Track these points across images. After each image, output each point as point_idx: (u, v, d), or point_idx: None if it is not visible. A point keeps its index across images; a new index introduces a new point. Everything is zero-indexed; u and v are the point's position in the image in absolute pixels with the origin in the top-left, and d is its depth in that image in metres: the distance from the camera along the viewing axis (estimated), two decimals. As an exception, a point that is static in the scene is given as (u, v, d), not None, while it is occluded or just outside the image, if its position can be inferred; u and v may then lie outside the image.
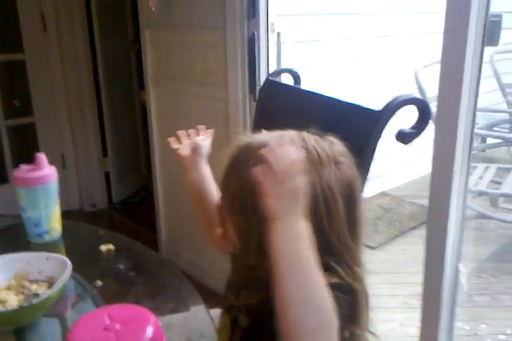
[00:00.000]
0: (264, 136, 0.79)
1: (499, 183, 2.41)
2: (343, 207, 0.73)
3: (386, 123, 0.86)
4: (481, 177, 2.45)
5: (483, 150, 3.23)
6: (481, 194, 2.43)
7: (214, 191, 1.05)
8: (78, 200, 3.20)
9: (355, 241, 0.76)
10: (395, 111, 0.86)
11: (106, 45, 3.09)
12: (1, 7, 2.84)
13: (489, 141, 3.08)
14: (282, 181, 0.60)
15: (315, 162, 0.72)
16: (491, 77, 3.09)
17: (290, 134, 0.77)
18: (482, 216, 2.50)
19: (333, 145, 0.76)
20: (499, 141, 2.93)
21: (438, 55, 1.27)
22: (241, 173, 0.72)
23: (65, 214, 1.16)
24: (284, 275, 0.59)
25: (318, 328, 0.59)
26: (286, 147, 0.64)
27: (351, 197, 0.75)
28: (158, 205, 2.54)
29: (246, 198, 0.71)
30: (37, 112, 3.04)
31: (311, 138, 0.76)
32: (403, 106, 0.86)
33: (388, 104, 0.86)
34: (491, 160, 2.88)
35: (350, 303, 0.72)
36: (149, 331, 0.62)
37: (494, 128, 2.92)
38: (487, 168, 2.55)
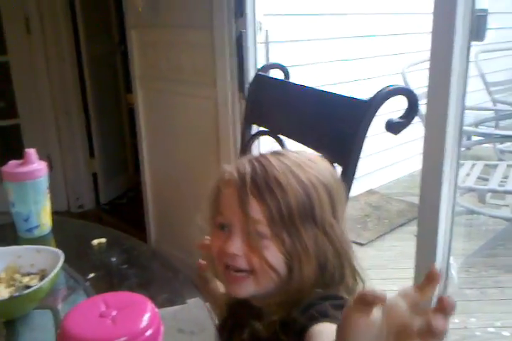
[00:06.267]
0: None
1: (486, 180, 2.44)
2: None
3: (375, 112, 0.87)
4: (468, 174, 2.48)
5: (469, 149, 3.27)
6: (469, 190, 2.46)
7: None
8: (65, 201, 3.17)
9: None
10: (384, 101, 0.87)
11: (91, 47, 3.07)
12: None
13: (475, 139, 3.12)
14: None
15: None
16: (475, 76, 3.13)
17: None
18: (470, 212, 2.53)
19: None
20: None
21: (424, 54, 1.28)
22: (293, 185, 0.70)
23: (52, 216, 1.14)
24: None
25: None
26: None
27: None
28: (148, 205, 2.52)
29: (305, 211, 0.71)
30: (22, 114, 3.02)
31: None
32: (392, 95, 0.88)
33: (377, 93, 0.87)
34: (477, 158, 2.91)
35: None
36: (146, 317, 0.62)
37: (480, 127, 2.96)
38: (474, 165, 2.58)
